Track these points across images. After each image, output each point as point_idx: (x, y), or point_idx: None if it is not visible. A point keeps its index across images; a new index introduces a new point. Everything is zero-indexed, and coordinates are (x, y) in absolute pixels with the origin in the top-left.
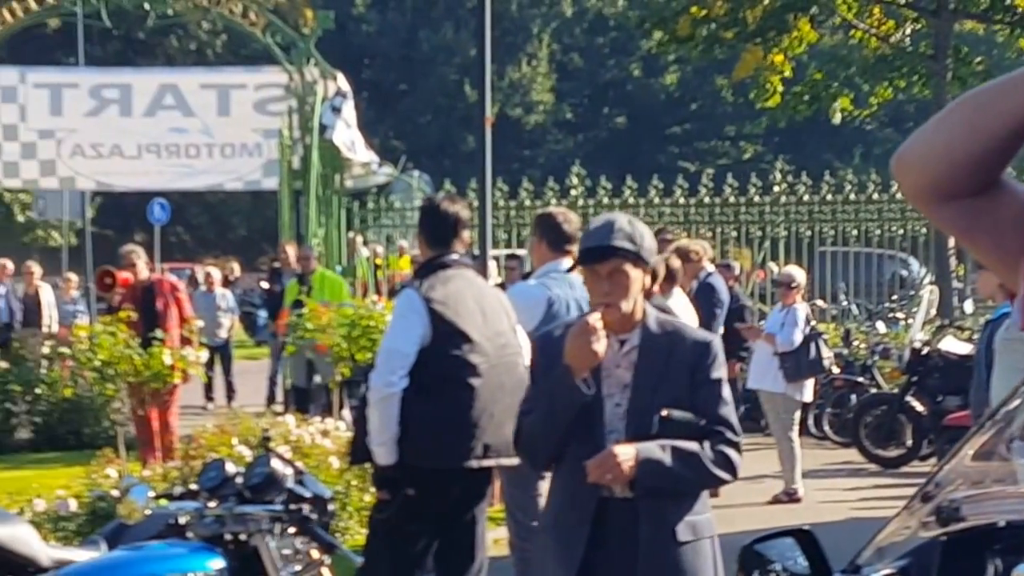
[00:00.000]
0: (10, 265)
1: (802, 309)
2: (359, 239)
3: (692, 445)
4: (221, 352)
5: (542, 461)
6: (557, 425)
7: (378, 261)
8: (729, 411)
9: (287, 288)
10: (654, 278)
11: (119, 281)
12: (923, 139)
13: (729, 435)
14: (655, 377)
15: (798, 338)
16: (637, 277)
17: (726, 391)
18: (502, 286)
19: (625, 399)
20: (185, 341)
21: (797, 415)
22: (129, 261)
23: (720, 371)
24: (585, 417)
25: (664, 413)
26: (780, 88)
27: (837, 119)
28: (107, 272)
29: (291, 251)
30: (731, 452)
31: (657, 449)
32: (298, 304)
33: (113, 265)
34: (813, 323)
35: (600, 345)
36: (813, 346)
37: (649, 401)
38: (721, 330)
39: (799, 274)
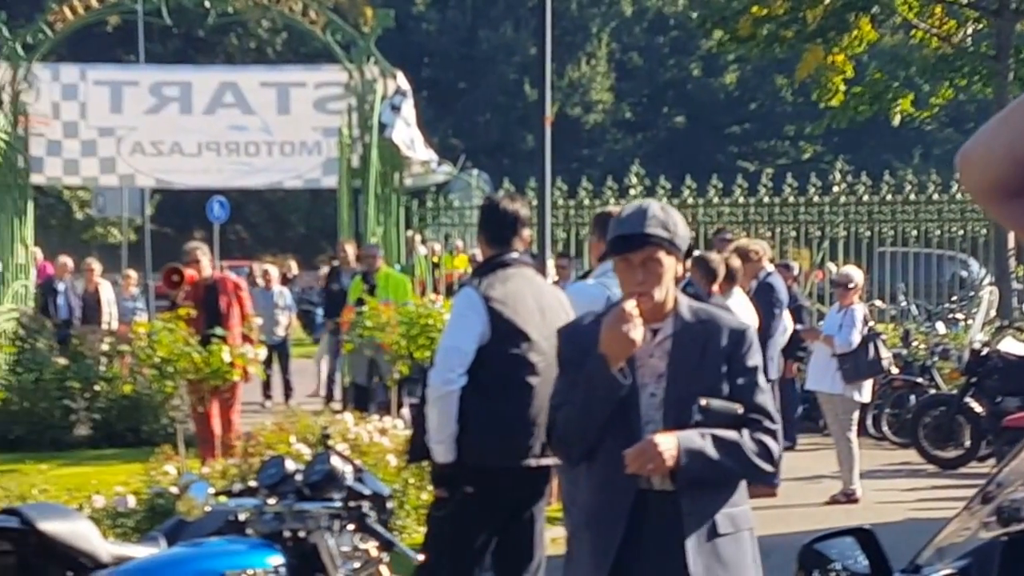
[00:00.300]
0: (70, 262)
1: (860, 310)
2: (417, 237)
3: (732, 434)
4: (278, 350)
5: (577, 455)
6: (594, 417)
7: (435, 259)
8: (766, 399)
9: (352, 286)
10: (713, 277)
11: (186, 279)
12: (986, 137)
13: (767, 424)
14: (690, 366)
15: (856, 339)
16: (671, 265)
17: (762, 379)
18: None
19: (660, 389)
20: (245, 339)
21: (855, 416)
22: (193, 258)
23: (756, 358)
24: (620, 408)
25: (703, 402)
26: (842, 88)
27: (896, 120)
28: (175, 270)
29: (350, 249)
30: (770, 441)
31: (698, 438)
32: (361, 302)
33: (174, 262)
34: (871, 324)
35: (637, 333)
36: (871, 347)
37: (685, 390)
38: (789, 329)
39: (857, 275)
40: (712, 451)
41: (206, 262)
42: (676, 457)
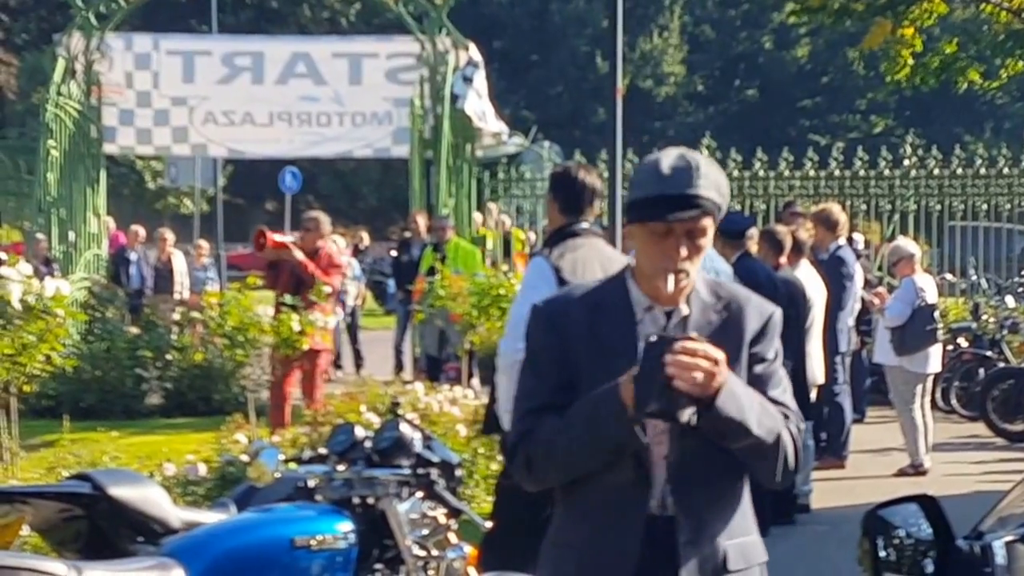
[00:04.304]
0: (142, 232)
1: (917, 281)
2: (495, 208)
3: (776, 409)
4: (348, 321)
5: (548, 486)
6: (589, 464)
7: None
8: (788, 395)
9: (423, 256)
10: (780, 250)
11: (269, 242)
12: None
13: (796, 420)
14: None
15: (905, 311)
16: (712, 236)
17: (783, 371)
18: None
19: None
20: (312, 305)
21: (919, 388)
22: (306, 227)
23: (777, 346)
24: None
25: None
26: (911, 62)
27: (963, 87)
28: (261, 232)
29: (421, 220)
30: (798, 438)
31: (744, 386)
32: (432, 272)
33: (243, 236)
34: (924, 294)
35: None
36: (920, 318)
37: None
38: (857, 306)
39: (908, 247)
40: (755, 410)
41: (316, 235)
42: (720, 386)
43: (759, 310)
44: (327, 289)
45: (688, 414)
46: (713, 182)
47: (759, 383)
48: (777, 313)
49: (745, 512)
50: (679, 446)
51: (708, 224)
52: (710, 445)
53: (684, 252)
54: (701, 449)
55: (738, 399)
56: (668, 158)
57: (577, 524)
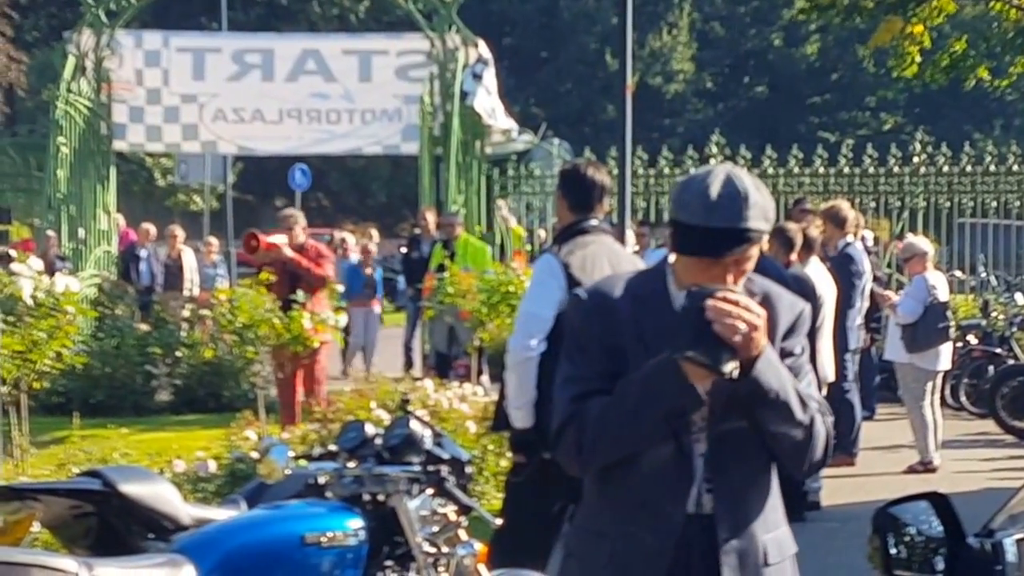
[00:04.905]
0: (153, 229)
1: (928, 279)
2: (504, 205)
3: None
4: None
5: (598, 466)
6: (645, 434)
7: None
8: (817, 391)
9: (433, 253)
10: (791, 247)
11: (262, 244)
12: None
13: (826, 411)
14: None
15: (917, 309)
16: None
17: (809, 366)
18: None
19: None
20: (316, 301)
21: (930, 385)
22: (287, 225)
23: (805, 341)
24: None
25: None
26: (918, 59)
27: (971, 84)
28: (253, 235)
29: (431, 217)
30: (830, 429)
31: (779, 359)
32: (442, 269)
33: (256, 228)
34: (936, 292)
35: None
36: (932, 316)
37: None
38: (867, 304)
39: (919, 244)
40: (792, 388)
41: (298, 229)
42: (761, 351)
43: (790, 306)
44: (340, 289)
45: (729, 366)
46: (761, 210)
47: (795, 377)
48: (807, 309)
49: (776, 504)
50: (714, 443)
51: (756, 252)
52: (742, 440)
53: (731, 280)
54: (735, 445)
55: (778, 370)
56: (716, 183)
57: (612, 515)
